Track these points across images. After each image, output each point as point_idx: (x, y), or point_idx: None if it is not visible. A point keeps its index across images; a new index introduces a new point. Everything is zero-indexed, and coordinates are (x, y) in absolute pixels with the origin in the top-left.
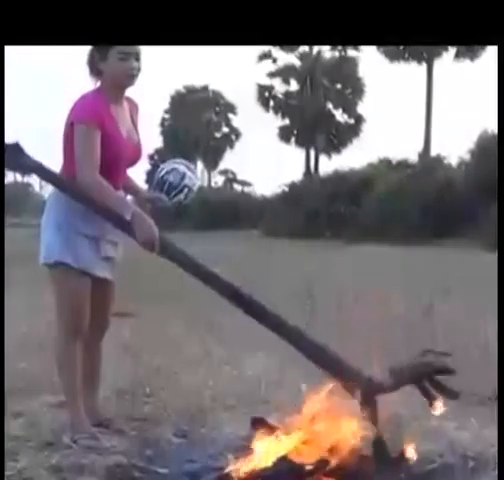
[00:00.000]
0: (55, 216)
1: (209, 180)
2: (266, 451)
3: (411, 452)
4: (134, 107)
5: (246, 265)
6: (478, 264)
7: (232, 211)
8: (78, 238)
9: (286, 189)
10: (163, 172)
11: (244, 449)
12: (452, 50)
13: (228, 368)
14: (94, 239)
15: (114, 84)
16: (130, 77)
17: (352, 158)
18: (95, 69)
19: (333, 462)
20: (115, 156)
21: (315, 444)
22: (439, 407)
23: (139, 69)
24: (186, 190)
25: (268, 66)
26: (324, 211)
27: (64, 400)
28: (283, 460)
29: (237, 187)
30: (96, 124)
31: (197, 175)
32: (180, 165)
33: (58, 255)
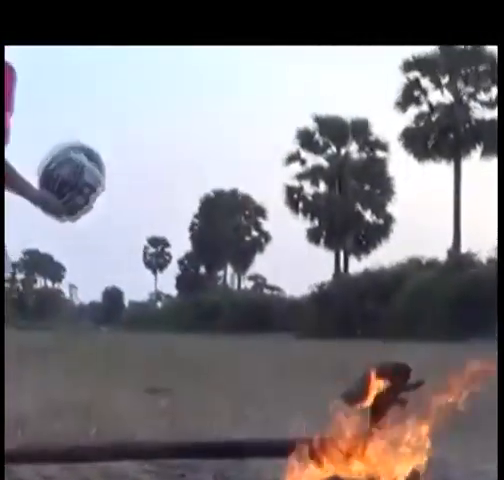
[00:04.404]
0: None
1: (239, 284)
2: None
3: None
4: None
5: (281, 367)
6: None
7: (263, 314)
8: None
9: (316, 290)
10: (54, 163)
11: None
12: (479, 148)
13: (266, 429)
14: None
15: None
16: None
17: (382, 257)
18: None
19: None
20: None
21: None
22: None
23: None
24: (87, 190)
25: (296, 168)
26: (355, 310)
27: None
28: (335, 478)
29: (267, 292)
30: None
31: (103, 166)
32: (79, 154)
33: None
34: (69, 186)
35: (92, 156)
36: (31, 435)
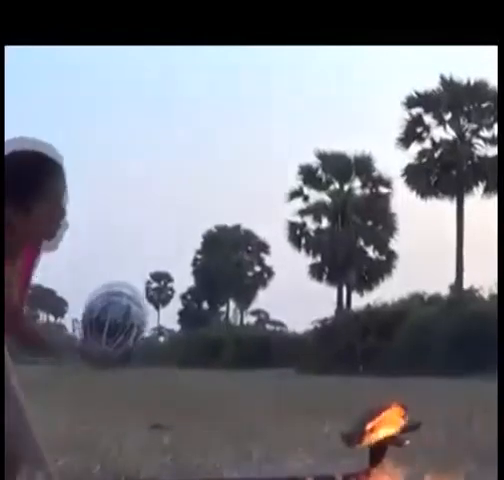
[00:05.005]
0: None
1: (241, 319)
2: None
3: None
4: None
5: (282, 403)
6: None
7: (265, 349)
8: None
9: (319, 326)
10: (98, 309)
11: None
12: (482, 185)
13: (269, 466)
14: None
15: None
16: None
17: (384, 293)
18: None
19: None
20: None
21: None
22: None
23: None
24: (134, 332)
25: (299, 204)
26: (357, 346)
27: None
28: None
29: (269, 327)
30: None
31: (144, 305)
32: (121, 297)
33: None
34: (119, 330)
35: (134, 297)
36: None
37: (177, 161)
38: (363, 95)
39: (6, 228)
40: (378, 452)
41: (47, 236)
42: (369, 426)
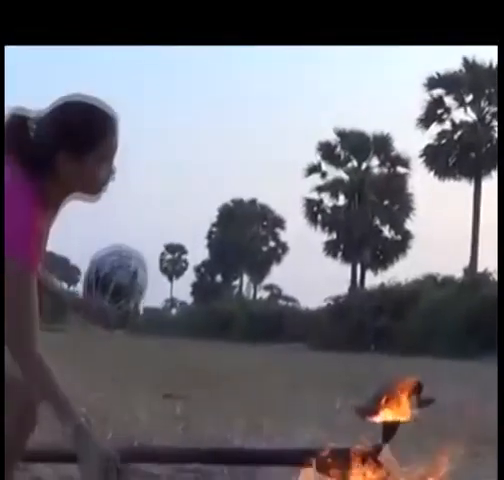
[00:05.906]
0: None
1: (254, 293)
2: None
3: None
4: None
5: (293, 377)
6: None
7: (277, 323)
8: None
9: (332, 303)
10: (106, 268)
11: None
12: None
13: (279, 438)
14: None
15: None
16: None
17: (398, 273)
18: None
19: None
20: None
21: None
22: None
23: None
24: (136, 296)
25: (316, 180)
26: (369, 325)
27: None
28: None
29: (282, 302)
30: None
31: (146, 269)
32: (130, 260)
33: None
34: (123, 293)
35: (142, 262)
36: (47, 434)
37: (195, 135)
38: (385, 75)
39: (53, 175)
40: (391, 427)
41: (93, 190)
42: (384, 400)
